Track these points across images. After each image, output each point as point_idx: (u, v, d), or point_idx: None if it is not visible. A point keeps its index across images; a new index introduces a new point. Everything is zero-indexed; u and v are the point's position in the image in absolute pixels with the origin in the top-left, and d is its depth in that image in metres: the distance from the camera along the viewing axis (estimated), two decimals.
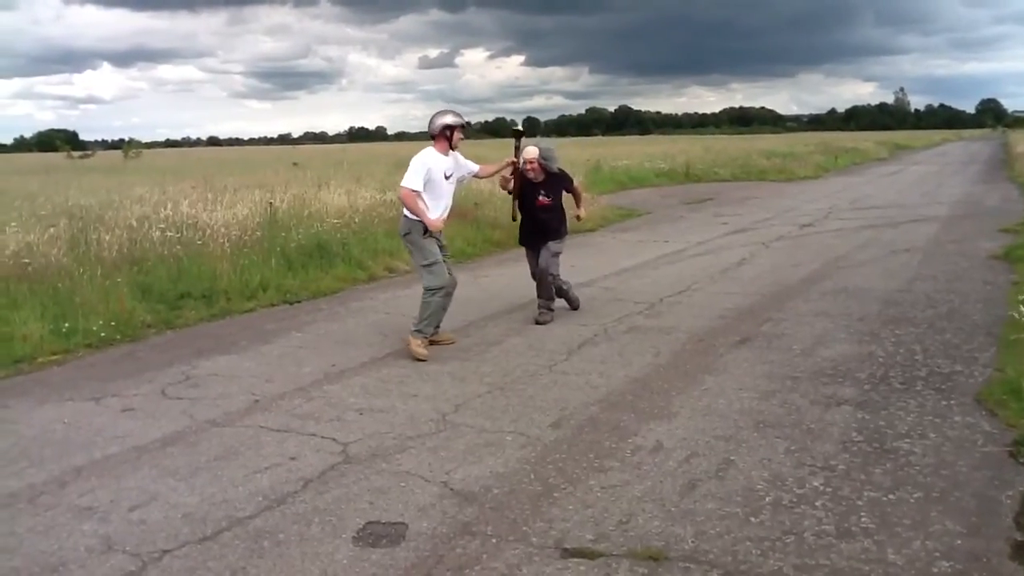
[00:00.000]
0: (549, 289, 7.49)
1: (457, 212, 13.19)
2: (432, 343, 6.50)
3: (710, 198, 20.50)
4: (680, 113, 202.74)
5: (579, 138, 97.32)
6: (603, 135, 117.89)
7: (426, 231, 6.40)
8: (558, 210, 7.46)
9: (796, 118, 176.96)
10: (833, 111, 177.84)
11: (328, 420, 4.95)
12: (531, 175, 7.26)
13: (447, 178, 6.49)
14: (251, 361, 6.39)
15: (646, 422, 4.80)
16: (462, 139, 6.64)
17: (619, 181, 23.82)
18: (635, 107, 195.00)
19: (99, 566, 3.30)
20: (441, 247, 6.62)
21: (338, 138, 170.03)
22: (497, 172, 7.20)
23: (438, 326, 6.61)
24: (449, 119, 6.46)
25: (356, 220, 11.44)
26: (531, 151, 7.24)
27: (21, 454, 4.54)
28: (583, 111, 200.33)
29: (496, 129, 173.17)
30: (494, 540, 3.43)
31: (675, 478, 4.02)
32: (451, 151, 6.55)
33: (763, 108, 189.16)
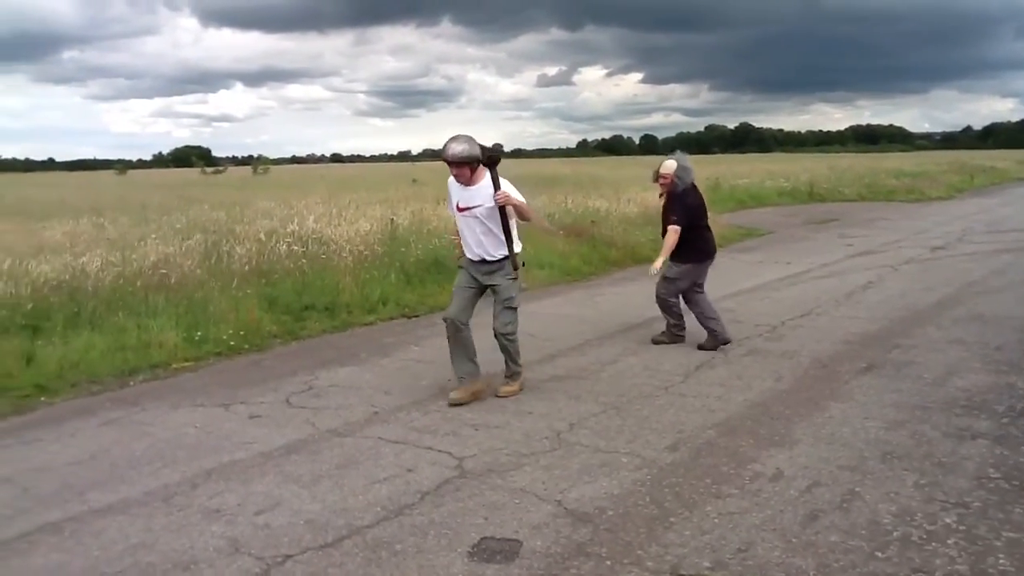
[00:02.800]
0: (670, 311, 7.18)
1: (573, 230, 13.27)
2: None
3: (835, 218, 19.85)
4: (803, 131, 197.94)
5: (698, 156, 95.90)
6: (722, 153, 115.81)
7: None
8: (689, 232, 6.94)
9: (927, 136, 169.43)
10: (968, 128, 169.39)
11: (444, 434, 5.01)
12: (661, 191, 7.03)
13: (460, 210, 5.65)
14: (371, 373, 6.53)
15: (766, 448, 4.67)
16: (459, 177, 5.57)
17: (739, 200, 23.38)
18: (756, 124, 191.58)
19: (226, 567, 3.43)
20: (476, 281, 5.77)
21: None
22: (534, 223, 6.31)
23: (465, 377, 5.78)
24: (447, 152, 5.47)
25: None
26: (669, 165, 6.88)
27: (156, 455, 4.78)
28: (702, 128, 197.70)
29: (614, 147, 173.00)
30: (608, 562, 3.39)
31: (796, 508, 3.89)
32: (474, 183, 5.56)
33: (892, 125, 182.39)
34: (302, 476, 4.41)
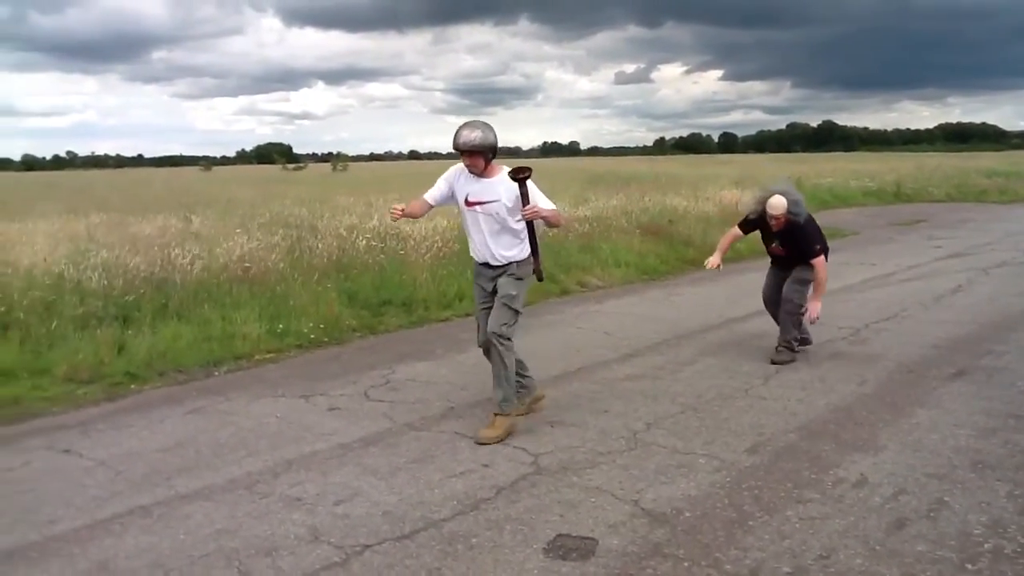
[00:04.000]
0: (786, 323, 6.62)
1: (650, 228, 13.16)
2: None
3: (922, 219, 19.26)
4: (889, 129, 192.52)
5: (779, 154, 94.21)
6: (804, 151, 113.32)
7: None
8: (799, 253, 6.53)
9: (1022, 134, 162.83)
10: None
11: (520, 430, 5.02)
12: (774, 229, 6.48)
13: (468, 204, 5.02)
14: (446, 368, 6.59)
15: (849, 454, 4.55)
16: (472, 167, 4.93)
17: (822, 200, 22.83)
18: (840, 122, 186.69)
19: (307, 554, 3.49)
20: (490, 293, 5.15)
21: (531, 153, 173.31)
22: (554, 222, 5.20)
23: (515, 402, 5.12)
24: (459, 140, 4.83)
25: (550, 234, 11.56)
26: (779, 204, 6.25)
27: (240, 444, 4.90)
28: (783, 127, 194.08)
29: (692, 145, 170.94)
30: (686, 564, 3.35)
31: (880, 515, 3.78)
32: (488, 174, 4.96)
33: (984, 124, 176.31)
34: (379, 468, 4.47)
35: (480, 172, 4.93)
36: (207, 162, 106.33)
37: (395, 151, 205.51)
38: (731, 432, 4.93)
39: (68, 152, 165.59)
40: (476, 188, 4.96)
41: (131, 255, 8.64)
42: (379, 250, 9.98)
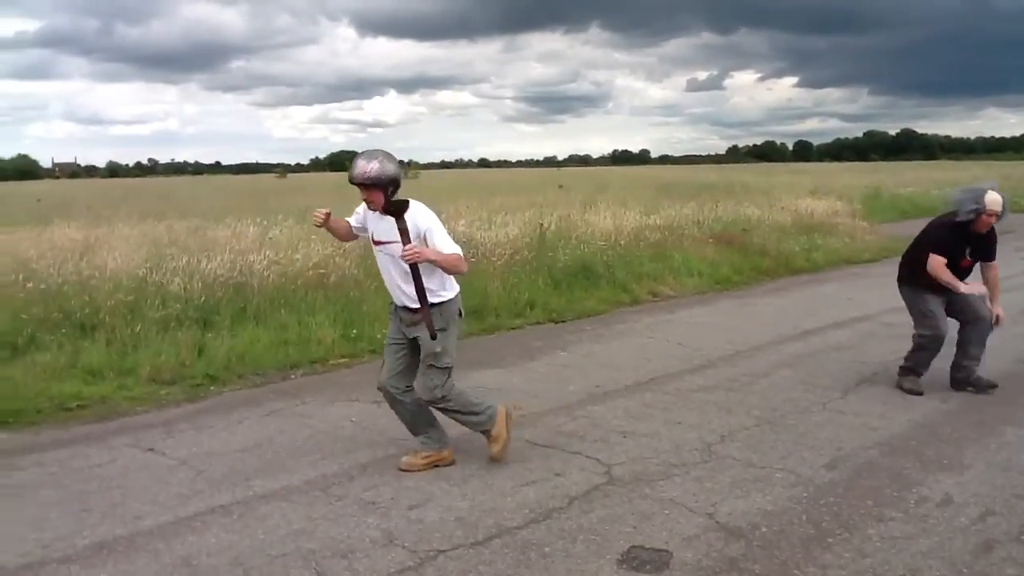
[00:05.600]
0: (979, 343, 5.93)
1: (723, 237, 12.99)
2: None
3: (1010, 231, 18.52)
4: (973, 137, 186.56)
5: (855, 163, 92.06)
6: (882, 160, 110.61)
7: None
8: (983, 256, 5.92)
9: None
10: None
11: (592, 440, 5.00)
12: (982, 230, 5.76)
13: (375, 243, 4.49)
14: (518, 376, 6.59)
15: (932, 472, 4.42)
16: (370, 203, 4.35)
17: (901, 209, 22.29)
18: (919, 130, 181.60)
19: (381, 557, 3.53)
20: (404, 337, 4.53)
21: (601, 161, 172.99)
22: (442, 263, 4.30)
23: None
24: (353, 172, 4.25)
25: (621, 243, 11.52)
26: (998, 200, 5.58)
27: (316, 447, 4.98)
28: (860, 135, 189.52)
29: (765, 153, 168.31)
30: None
31: (967, 536, 3.66)
32: (388, 213, 4.31)
33: None
34: (452, 475, 4.50)
35: (379, 208, 4.32)
36: (282, 169, 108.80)
37: (465, 159, 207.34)
38: (808, 447, 4.83)
39: (150, 159, 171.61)
40: (380, 226, 4.40)
41: (210, 260, 8.86)
42: None
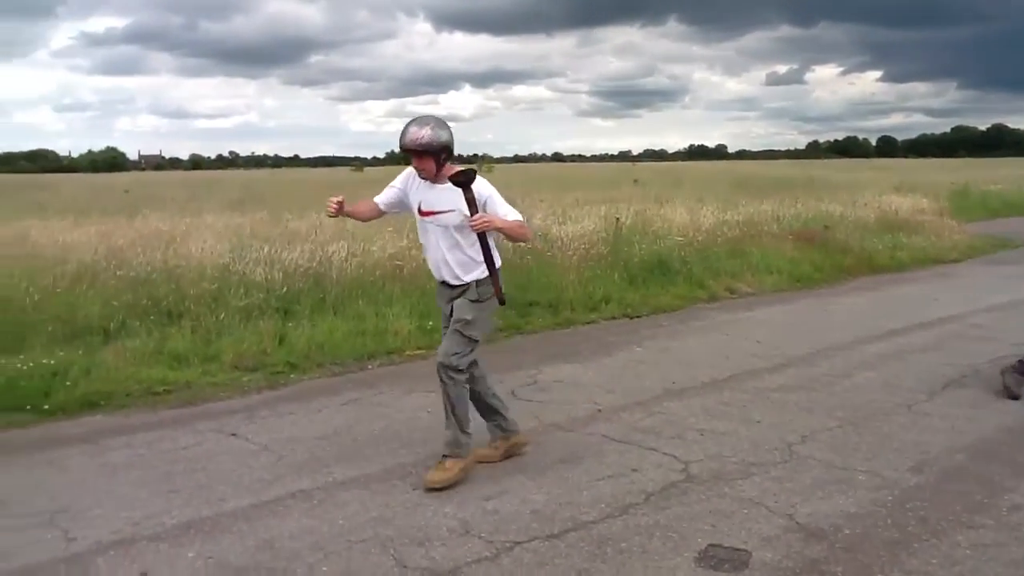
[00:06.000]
0: None
1: (803, 235, 12.72)
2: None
3: None
4: None
5: (942, 159, 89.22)
6: (969, 156, 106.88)
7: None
8: None
9: None
10: None
11: (669, 437, 4.95)
12: None
13: (422, 214, 4.35)
14: (593, 371, 6.57)
15: None
16: (421, 171, 4.29)
17: (990, 208, 21.53)
18: (1012, 125, 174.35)
19: (458, 547, 3.56)
20: (450, 316, 4.44)
21: (677, 156, 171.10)
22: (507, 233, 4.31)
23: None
24: (404, 138, 4.19)
25: (698, 239, 11.37)
26: None
27: (393, 436, 5.05)
28: (948, 130, 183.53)
29: (847, 149, 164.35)
30: None
31: None
32: (442, 180, 4.22)
33: None
34: (527, 467, 4.51)
35: (431, 177, 4.25)
36: (358, 163, 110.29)
37: (539, 153, 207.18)
38: (893, 450, 4.70)
39: (231, 152, 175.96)
40: (430, 196, 4.28)
41: (290, 250, 9.03)
42: (526, 251, 10.05)
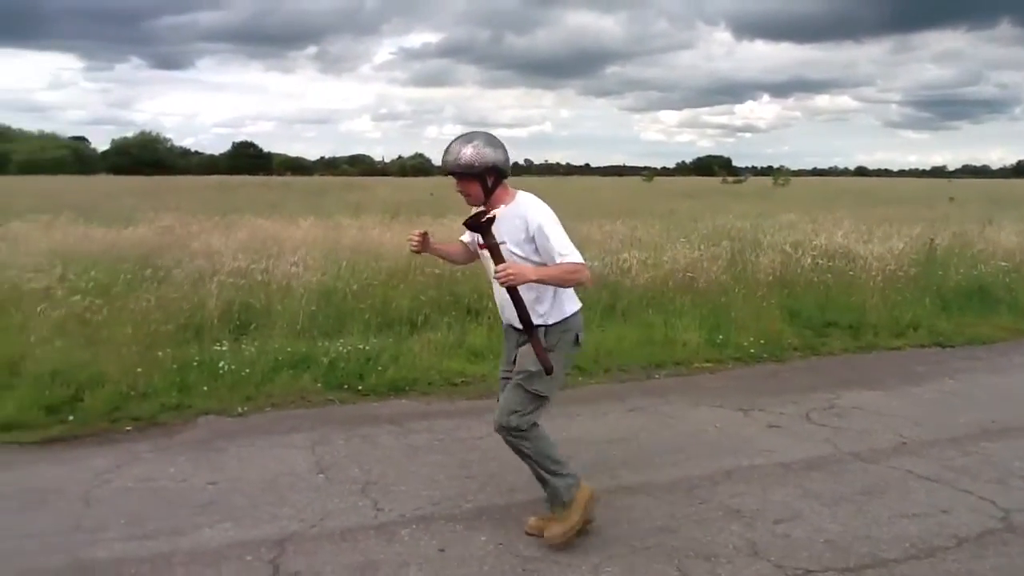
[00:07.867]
0: None
1: None
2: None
3: None
4: None
5: None
6: None
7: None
8: None
9: None
10: None
11: (987, 480, 4.47)
12: None
13: (479, 246, 3.65)
14: (898, 401, 6.09)
15: None
16: (466, 196, 3.64)
17: None
18: None
19: (745, 567, 3.46)
20: (513, 362, 3.80)
21: (1001, 172, 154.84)
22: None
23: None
24: (444, 158, 3.61)
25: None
26: None
27: (678, 447, 4.99)
28: None
29: None
30: None
31: None
32: (496, 206, 3.59)
33: None
34: (822, 494, 4.27)
35: (477, 203, 3.62)
36: (648, 173, 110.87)
37: (840, 167, 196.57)
38: None
39: (526, 160, 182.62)
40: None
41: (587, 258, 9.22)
42: (825, 269, 9.55)
